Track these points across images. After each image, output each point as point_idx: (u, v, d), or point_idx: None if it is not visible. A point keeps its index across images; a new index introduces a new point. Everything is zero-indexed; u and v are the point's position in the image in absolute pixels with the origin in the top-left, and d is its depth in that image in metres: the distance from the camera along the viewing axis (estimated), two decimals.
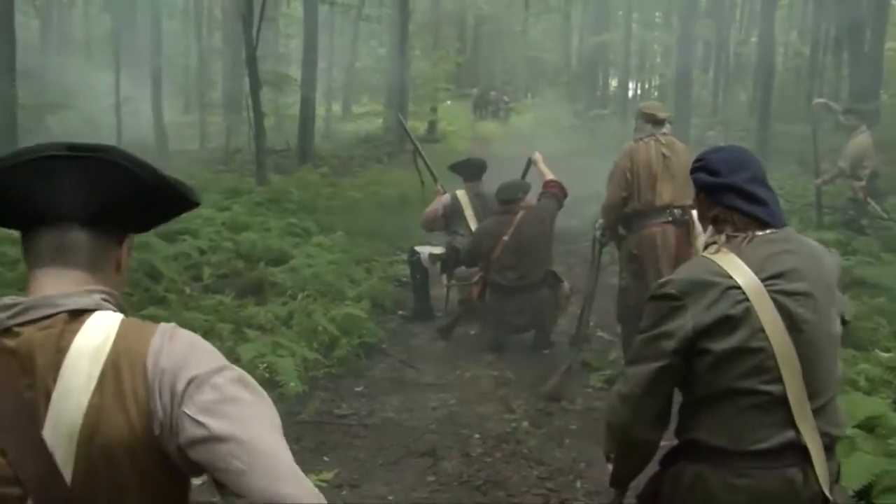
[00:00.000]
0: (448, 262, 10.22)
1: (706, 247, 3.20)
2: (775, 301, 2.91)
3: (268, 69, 26.90)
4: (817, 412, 2.94)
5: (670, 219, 7.52)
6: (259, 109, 17.67)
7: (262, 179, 17.62)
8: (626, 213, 7.67)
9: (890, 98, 28.96)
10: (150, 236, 11.82)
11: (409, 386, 8.15)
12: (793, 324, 2.91)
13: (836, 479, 3.13)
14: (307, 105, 24.57)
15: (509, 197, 9.34)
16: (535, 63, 61.04)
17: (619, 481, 3.41)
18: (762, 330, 2.88)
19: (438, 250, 10.37)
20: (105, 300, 2.00)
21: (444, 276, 10.39)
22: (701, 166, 3.25)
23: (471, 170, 10.58)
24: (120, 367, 1.86)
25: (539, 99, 53.94)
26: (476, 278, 9.51)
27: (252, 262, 11.13)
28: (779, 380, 2.89)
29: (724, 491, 2.96)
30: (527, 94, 59.33)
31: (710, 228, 3.25)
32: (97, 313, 1.94)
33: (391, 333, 9.67)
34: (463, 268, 9.94)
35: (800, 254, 3.03)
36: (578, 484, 6.00)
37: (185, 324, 2.25)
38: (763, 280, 2.93)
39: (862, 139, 12.07)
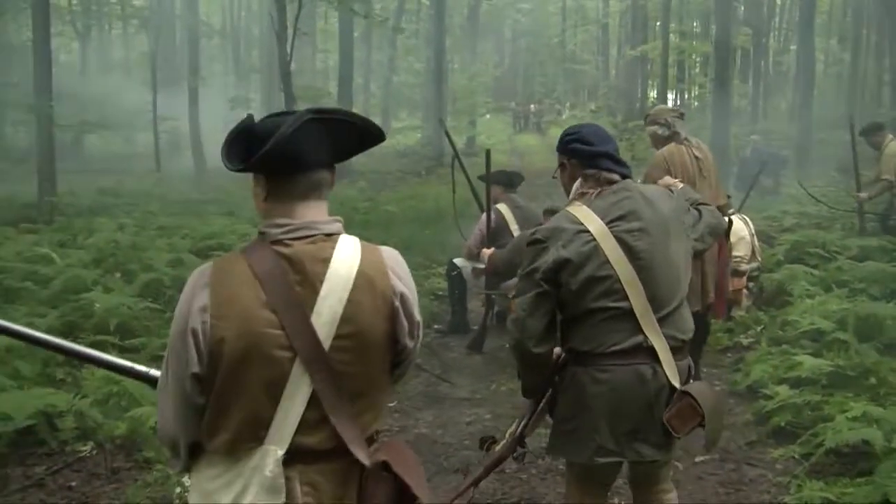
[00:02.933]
0: (491, 276, 9.81)
1: (570, 201, 4.12)
2: (617, 238, 3.84)
3: (303, 84, 26.95)
4: (662, 320, 3.86)
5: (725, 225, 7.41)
6: None
7: None
8: None
9: None
10: (183, 253, 11.84)
11: (443, 401, 8.02)
12: (632, 254, 3.84)
13: (688, 375, 4.00)
14: None
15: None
16: (573, 75, 60.87)
17: (528, 391, 4.32)
18: (608, 261, 3.81)
19: (482, 265, 10.17)
20: (342, 226, 2.77)
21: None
22: (576, 138, 4.14)
23: (504, 179, 10.33)
24: (369, 276, 2.68)
25: (578, 111, 53.63)
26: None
27: None
28: (626, 298, 3.80)
29: (591, 383, 3.87)
30: (565, 105, 59.07)
31: (577, 184, 4.12)
32: (343, 236, 2.73)
33: (426, 348, 9.47)
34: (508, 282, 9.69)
35: (637, 199, 3.96)
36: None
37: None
38: (607, 223, 3.86)
39: (893, 146, 11.89)
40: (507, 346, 4.51)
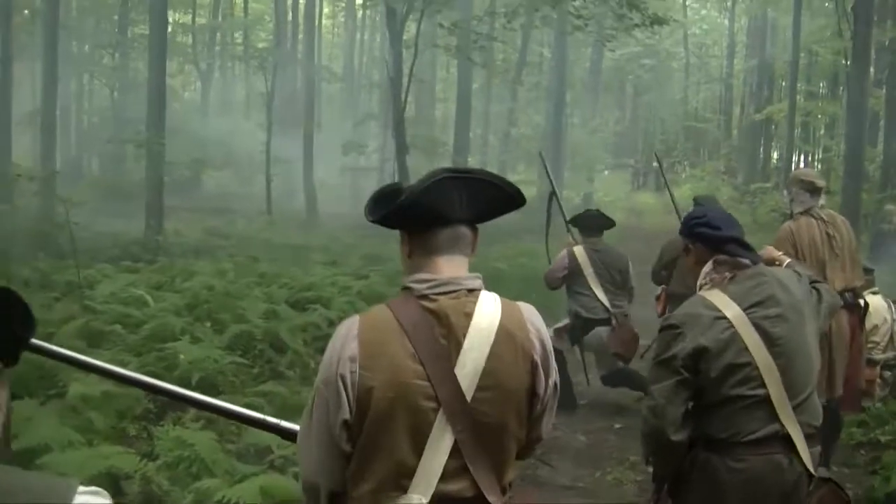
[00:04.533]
0: (574, 330, 9.52)
1: (700, 287, 4.10)
2: (755, 325, 3.81)
3: (419, 133, 26.65)
4: (797, 408, 3.81)
5: (842, 304, 6.58)
6: (405, 173, 17.21)
7: None
8: None
9: None
10: (279, 304, 11.31)
11: (542, 487, 7.24)
12: (770, 341, 3.80)
13: (819, 461, 3.97)
14: None
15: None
16: (694, 133, 59.88)
17: (659, 478, 4.19)
18: (746, 349, 3.77)
19: (562, 323, 9.63)
20: (482, 283, 2.83)
21: (576, 347, 9.68)
22: (703, 223, 4.15)
23: (589, 222, 9.71)
24: (510, 330, 2.72)
25: (698, 170, 52.62)
26: (659, 292, 9.65)
27: None
28: (763, 385, 3.76)
29: (725, 472, 3.80)
30: (685, 165, 58.04)
31: (706, 270, 4.10)
32: (483, 292, 2.78)
33: None
34: (598, 329, 9.36)
35: (772, 284, 3.96)
36: None
37: (299, 403, 2.88)
38: (745, 309, 3.84)
39: None
40: (641, 432, 4.06)
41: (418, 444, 2.64)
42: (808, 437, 3.85)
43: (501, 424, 2.72)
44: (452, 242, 2.79)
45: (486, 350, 2.69)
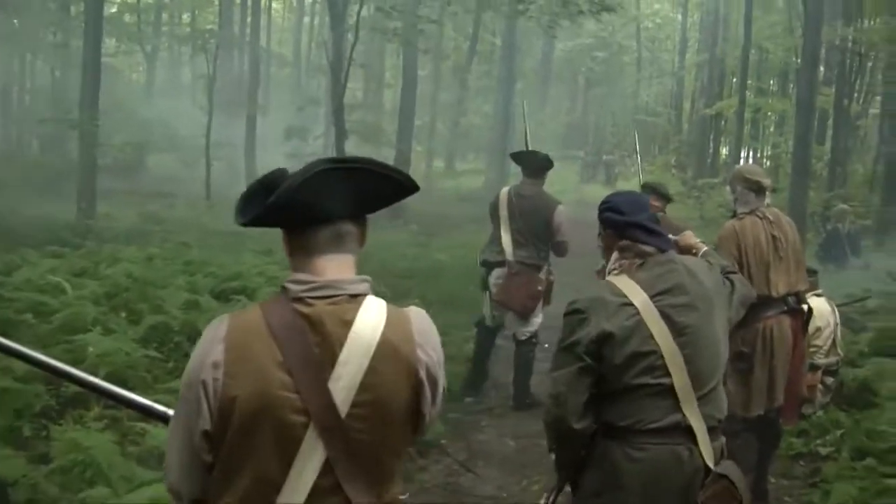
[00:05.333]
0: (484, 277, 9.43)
1: (608, 272, 4.05)
2: (662, 313, 3.73)
3: (362, 119, 26.24)
4: (701, 399, 3.74)
5: (785, 308, 6.39)
6: None
7: None
8: None
9: None
10: (202, 294, 10.81)
11: (462, 497, 6.83)
12: (676, 330, 3.73)
13: (721, 454, 3.87)
14: (401, 159, 23.75)
15: (661, 191, 9.32)
16: (644, 127, 59.92)
17: (562, 467, 4.10)
18: (651, 337, 3.70)
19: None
20: (370, 287, 2.64)
21: (486, 295, 9.42)
22: (608, 207, 4.08)
23: (528, 162, 9.35)
24: (393, 343, 2.54)
25: (647, 164, 52.56)
26: (599, 268, 8.63)
27: None
28: (667, 374, 3.68)
29: (625, 460, 3.74)
30: (634, 158, 57.95)
31: (615, 255, 4.04)
32: (369, 297, 2.60)
33: (453, 426, 8.31)
34: (494, 271, 9.18)
35: (681, 272, 3.89)
36: None
37: None
38: (652, 296, 3.76)
39: None
40: (543, 421, 3.96)
41: (286, 460, 2.45)
42: (711, 430, 3.81)
43: (379, 442, 2.55)
44: (335, 241, 2.60)
45: (365, 363, 2.50)
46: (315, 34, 49.17)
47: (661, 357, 3.70)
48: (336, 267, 2.59)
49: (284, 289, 2.59)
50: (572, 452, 3.97)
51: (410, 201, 15.42)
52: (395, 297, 12.06)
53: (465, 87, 41.20)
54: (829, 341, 8.51)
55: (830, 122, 31.48)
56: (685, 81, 56.45)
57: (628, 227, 3.99)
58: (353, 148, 25.57)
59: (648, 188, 9.28)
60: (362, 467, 2.52)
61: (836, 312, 8.75)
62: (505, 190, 9.48)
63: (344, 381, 2.47)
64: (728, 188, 6.71)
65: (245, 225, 2.61)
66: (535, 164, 9.30)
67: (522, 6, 22.83)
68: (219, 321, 2.59)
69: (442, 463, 7.47)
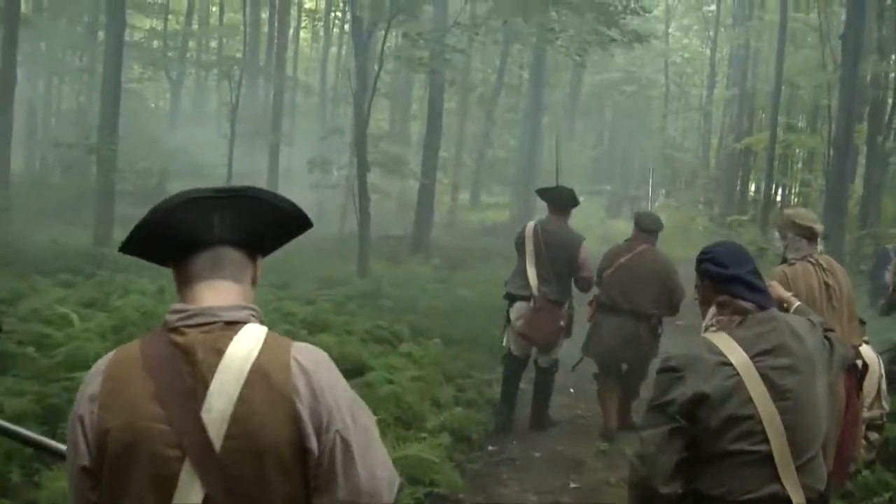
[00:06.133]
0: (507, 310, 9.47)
1: (706, 328, 3.93)
2: (762, 375, 3.49)
3: (390, 150, 25.93)
4: (801, 468, 3.47)
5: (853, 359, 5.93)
6: (365, 192, 16.39)
7: (362, 270, 16.26)
8: None
9: None
10: None
11: None
12: (777, 394, 3.48)
13: None
14: (425, 191, 23.41)
15: (649, 225, 9.54)
16: (672, 162, 59.51)
17: None
18: (751, 400, 3.45)
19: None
20: (253, 315, 2.50)
21: (508, 330, 9.48)
22: (709, 258, 3.84)
23: (554, 198, 9.43)
24: (265, 370, 2.33)
25: (673, 200, 52.06)
26: (592, 298, 9.55)
27: None
28: (766, 441, 3.43)
29: None
30: (659, 193, 57.60)
31: (712, 311, 3.83)
32: (249, 325, 2.43)
33: (472, 478, 7.80)
34: (517, 304, 9.27)
35: (784, 332, 3.62)
36: None
37: None
38: (752, 357, 3.52)
39: None
40: (628, 482, 3.70)
41: (165, 497, 2.28)
42: (810, 502, 3.51)
43: (259, 482, 2.33)
44: (213, 266, 2.49)
45: (235, 393, 2.33)
46: (342, 63, 49.06)
47: (760, 422, 3.46)
48: (214, 294, 2.47)
49: (165, 322, 2.46)
50: None
51: (433, 234, 15.17)
52: (414, 335, 11.64)
53: (492, 120, 40.87)
54: (874, 392, 7.94)
55: (860, 158, 30.92)
56: (713, 116, 56.07)
57: (729, 281, 3.76)
58: (375, 179, 25.24)
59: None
60: None
61: (881, 361, 8.20)
62: (531, 224, 9.47)
63: (216, 412, 2.31)
64: (777, 234, 6.21)
65: (125, 253, 2.54)
66: (562, 201, 9.36)
67: (552, 34, 22.48)
68: (106, 356, 2.50)
69: None
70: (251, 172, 28.83)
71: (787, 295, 5.05)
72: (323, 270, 17.16)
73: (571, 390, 10.57)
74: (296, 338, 8.14)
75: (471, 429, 8.80)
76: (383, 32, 17.24)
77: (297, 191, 31.55)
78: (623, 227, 37.02)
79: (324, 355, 2.52)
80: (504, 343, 9.57)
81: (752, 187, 45.92)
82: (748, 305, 3.69)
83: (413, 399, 8.76)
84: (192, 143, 31.95)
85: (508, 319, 9.39)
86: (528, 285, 9.09)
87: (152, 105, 49.62)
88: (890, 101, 31.15)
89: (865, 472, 7.62)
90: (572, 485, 7.91)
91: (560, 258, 9.10)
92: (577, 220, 33.64)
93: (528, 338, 9.20)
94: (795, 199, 43.18)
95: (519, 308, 9.21)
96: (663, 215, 10.21)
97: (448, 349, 11.62)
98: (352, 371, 9.57)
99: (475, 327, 13.10)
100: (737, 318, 3.68)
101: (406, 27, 18.12)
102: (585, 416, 10.04)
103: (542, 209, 10.06)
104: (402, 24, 17.64)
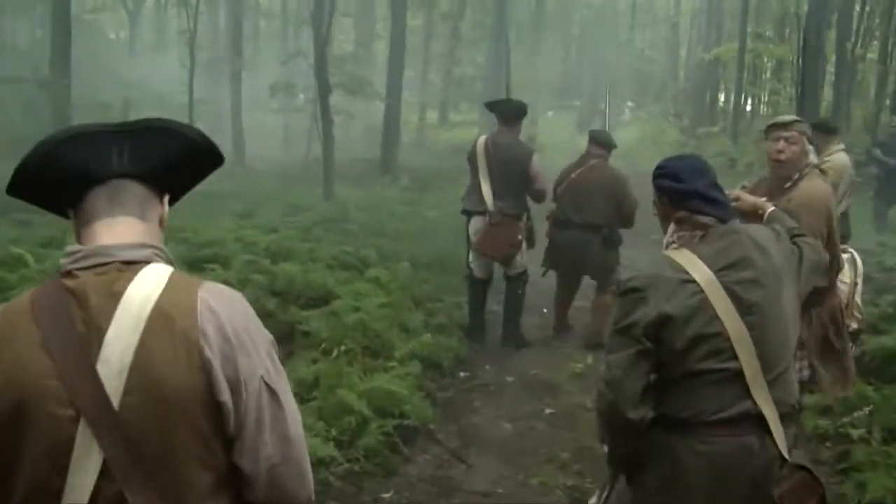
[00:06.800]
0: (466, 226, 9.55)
1: (667, 245, 3.66)
2: (727, 289, 3.35)
3: (354, 72, 25.47)
4: (771, 383, 3.36)
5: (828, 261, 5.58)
6: (328, 115, 15.97)
7: (328, 194, 15.89)
8: None
9: None
10: (177, 263, 10.03)
11: (452, 493, 6.08)
12: (743, 308, 3.35)
13: (794, 443, 3.52)
14: (391, 112, 23.02)
15: (600, 141, 9.63)
16: (640, 75, 59.09)
17: (616, 460, 3.70)
18: (716, 316, 3.31)
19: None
20: (157, 255, 2.23)
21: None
22: (665, 173, 3.68)
23: (503, 111, 9.30)
24: (168, 313, 2.07)
25: (644, 112, 51.74)
26: (548, 213, 9.68)
27: (287, 302, 9.18)
28: (734, 358, 3.31)
29: (689, 456, 3.37)
30: (628, 107, 57.40)
31: (672, 227, 3.65)
32: (150, 265, 2.17)
33: (443, 406, 7.56)
34: (474, 219, 9.29)
35: (747, 244, 3.49)
36: None
37: None
38: (716, 272, 3.38)
39: None
40: (593, 408, 3.82)
41: (61, 461, 2.03)
42: (784, 417, 3.41)
43: (166, 441, 2.08)
44: (112, 201, 2.23)
45: (134, 340, 2.06)
46: None
47: (728, 339, 3.32)
48: (111, 232, 2.21)
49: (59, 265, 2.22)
50: (627, 445, 3.60)
51: (402, 155, 14.78)
52: (382, 260, 11.36)
53: (458, 37, 40.33)
54: (845, 300, 7.38)
55: (828, 66, 30.67)
56: (681, 28, 55.65)
57: (686, 195, 3.61)
58: (342, 102, 24.78)
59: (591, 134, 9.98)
60: (148, 473, 2.06)
61: (858, 263, 7.61)
62: (482, 138, 9.34)
63: (113, 364, 2.05)
64: (805, 141, 5.67)
65: (13, 196, 2.29)
66: (509, 112, 9.27)
67: None
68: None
69: (430, 452, 6.71)
70: (213, 100, 28.32)
71: (759, 201, 4.69)
72: (289, 197, 16.80)
73: (545, 310, 10.34)
74: (258, 268, 7.85)
75: (441, 355, 8.54)
76: None
77: (261, 117, 31.13)
78: None
79: (237, 294, 2.27)
80: (469, 262, 9.56)
81: (722, 98, 45.73)
82: (707, 220, 3.56)
83: (381, 327, 8.48)
84: (154, 73, 31.35)
85: (468, 237, 9.43)
86: (483, 200, 9.04)
87: (112, 36, 48.55)
88: (858, 7, 30.92)
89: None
90: (547, 410, 7.69)
91: (512, 171, 9.00)
92: (548, 135, 33.38)
93: (486, 253, 9.21)
94: (765, 109, 43.01)
95: (475, 223, 9.22)
96: (633, 128, 10.01)
97: (417, 273, 11.34)
98: (317, 300, 9.33)
99: (444, 249, 12.79)
100: (698, 233, 3.55)
101: None
102: (559, 336, 9.82)
103: None
104: None
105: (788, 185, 5.47)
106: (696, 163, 3.79)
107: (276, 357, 2.26)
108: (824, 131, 9.19)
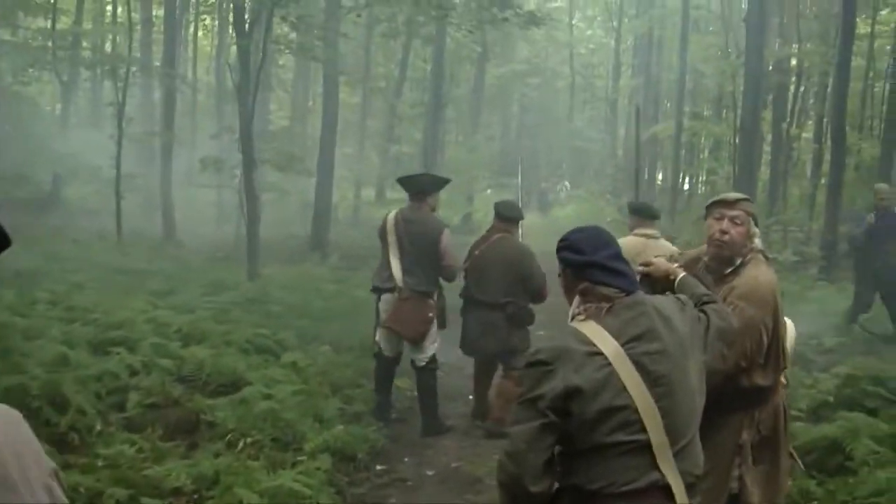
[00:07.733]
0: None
1: (573, 317, 3.68)
2: (634, 362, 3.35)
3: (285, 148, 25.15)
4: (678, 454, 3.39)
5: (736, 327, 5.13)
6: (252, 192, 15.45)
7: (252, 273, 15.36)
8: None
9: None
10: (76, 348, 9.42)
11: None
12: (651, 380, 3.35)
13: None
14: (322, 189, 22.70)
15: (506, 214, 9.39)
16: (579, 153, 59.37)
17: None
18: (625, 389, 3.31)
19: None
20: None
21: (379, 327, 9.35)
22: (566, 246, 3.72)
23: (411, 186, 9.23)
24: None
25: (582, 191, 51.93)
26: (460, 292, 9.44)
27: (194, 389, 8.62)
28: (643, 430, 3.31)
29: None
30: (568, 185, 57.65)
31: (577, 299, 3.65)
32: None
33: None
34: (384, 297, 9.14)
35: (652, 316, 3.49)
36: None
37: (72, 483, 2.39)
38: (623, 344, 3.38)
39: None
40: (497, 480, 3.48)
41: None
42: (689, 488, 3.45)
43: None
44: None
45: None
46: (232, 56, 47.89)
47: (637, 411, 3.34)
48: None
49: None
50: None
51: (335, 232, 14.37)
52: (302, 343, 10.90)
53: (396, 115, 40.22)
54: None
55: (764, 146, 30.98)
56: (619, 106, 56.17)
57: (587, 267, 3.62)
58: (273, 178, 24.38)
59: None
60: None
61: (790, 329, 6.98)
62: (392, 213, 9.27)
63: None
64: (751, 222, 5.14)
65: None
66: (417, 188, 9.17)
67: (439, 13, 21.72)
68: None
69: None
70: (145, 174, 27.80)
71: (671, 267, 4.34)
72: (213, 275, 16.24)
73: (470, 397, 9.85)
74: (166, 351, 7.24)
75: (356, 447, 7.96)
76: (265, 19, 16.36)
77: (194, 192, 30.60)
78: (531, 220, 36.60)
79: (14, 414, 1.98)
80: (376, 339, 9.39)
81: (660, 176, 45.97)
82: (609, 291, 3.57)
83: (292, 416, 7.94)
84: (87, 146, 30.76)
85: (378, 314, 9.27)
86: (392, 277, 8.95)
87: (47, 108, 47.91)
88: (792, 87, 31.26)
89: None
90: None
91: (422, 247, 8.91)
92: (485, 213, 33.21)
93: (395, 331, 9.03)
94: (703, 188, 43.27)
95: (386, 300, 9.09)
96: (571, 207, 9.62)
97: (338, 356, 10.90)
98: (227, 386, 8.81)
99: (370, 330, 12.31)
100: (604, 305, 3.54)
101: (289, 11, 17.17)
102: (485, 425, 9.34)
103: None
104: (285, 6, 16.62)
105: (729, 270, 5.01)
106: (598, 234, 3.79)
107: (58, 490, 1.97)
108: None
